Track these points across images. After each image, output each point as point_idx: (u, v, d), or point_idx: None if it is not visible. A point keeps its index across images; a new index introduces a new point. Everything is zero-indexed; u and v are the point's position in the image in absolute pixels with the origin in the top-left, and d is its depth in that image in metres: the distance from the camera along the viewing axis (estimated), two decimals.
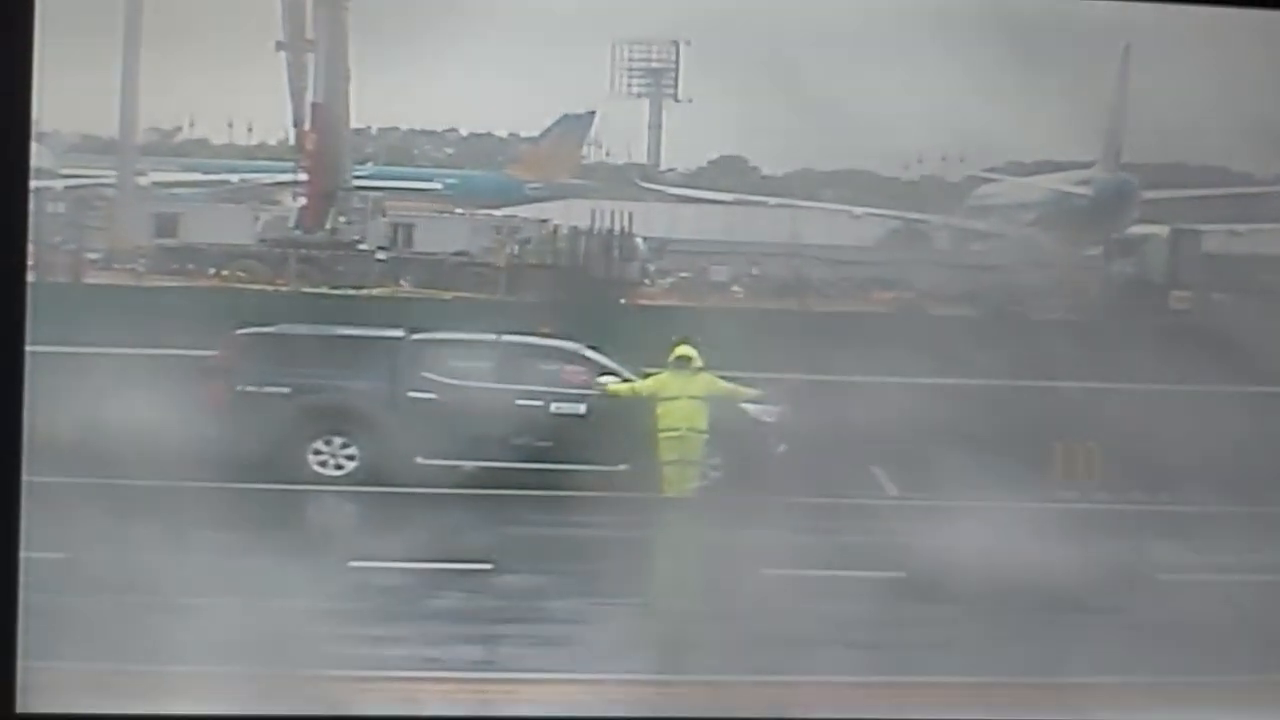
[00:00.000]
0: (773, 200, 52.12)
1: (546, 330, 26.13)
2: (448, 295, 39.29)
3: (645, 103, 62.68)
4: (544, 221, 45.68)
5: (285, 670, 15.27)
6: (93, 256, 43.15)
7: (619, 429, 23.82)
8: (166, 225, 43.72)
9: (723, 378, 24.40)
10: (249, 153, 55.35)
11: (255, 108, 50.43)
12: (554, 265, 41.09)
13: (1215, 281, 41.23)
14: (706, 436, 23.93)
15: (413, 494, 23.24)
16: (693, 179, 60.26)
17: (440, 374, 24.60)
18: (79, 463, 19.54)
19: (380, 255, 41.13)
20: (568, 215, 45.23)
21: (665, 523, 23.02)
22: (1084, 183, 48.45)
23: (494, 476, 23.62)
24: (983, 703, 15.44)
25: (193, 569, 18.12)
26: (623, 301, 37.28)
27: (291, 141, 44.91)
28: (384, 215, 44.18)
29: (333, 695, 14.80)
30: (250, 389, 24.13)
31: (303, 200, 43.00)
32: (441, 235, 43.71)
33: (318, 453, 24.31)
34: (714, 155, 61.91)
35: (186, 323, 26.32)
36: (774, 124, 46.73)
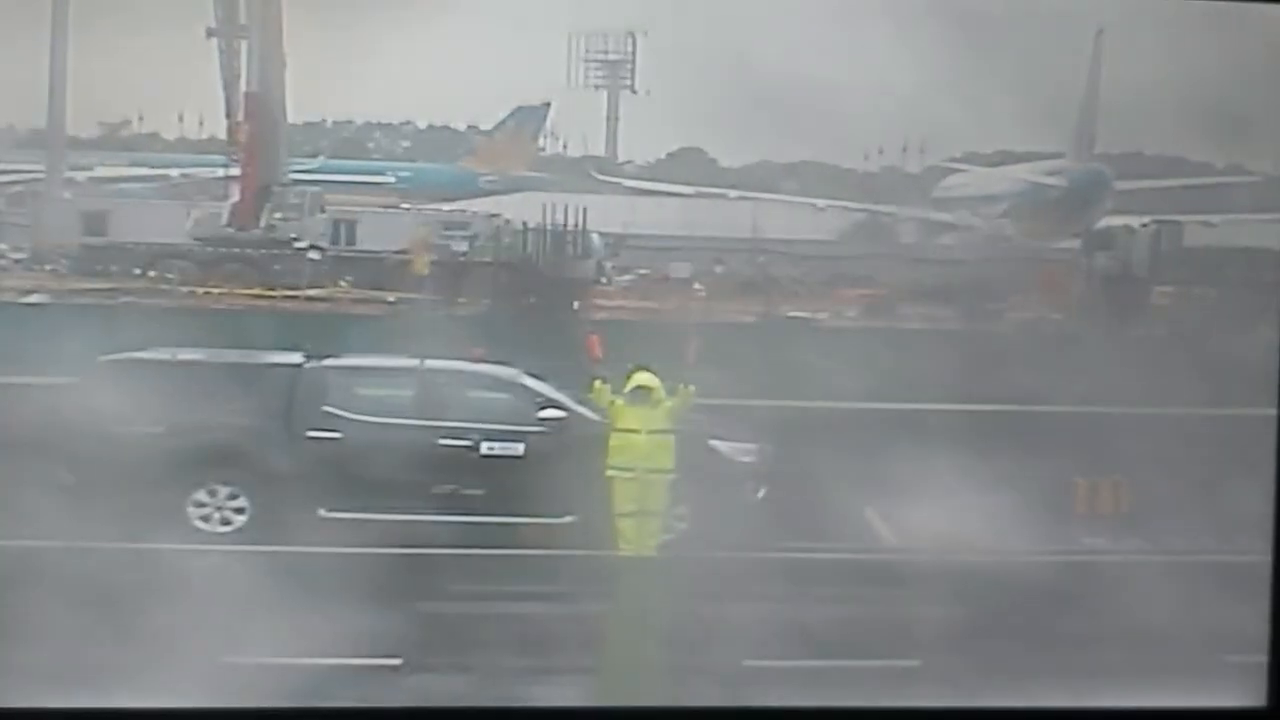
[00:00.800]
0: (733, 193, 47.90)
1: (479, 352, 20.28)
2: (390, 297, 33.88)
3: (602, 94, 59.48)
4: (494, 216, 40.27)
5: None
6: (18, 257, 37.64)
7: (564, 472, 18.00)
8: (94, 223, 38.11)
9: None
10: (200, 147, 50.33)
11: (206, 100, 44.78)
12: (505, 263, 35.44)
13: (1199, 276, 37.01)
14: (671, 478, 18.14)
15: (312, 555, 17.46)
16: (651, 171, 56.62)
17: (347, 408, 18.82)
18: None
19: (313, 255, 35.44)
20: (522, 209, 39.94)
21: (621, 592, 17.39)
22: (1056, 173, 44.08)
23: (411, 533, 17.97)
24: None
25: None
26: (575, 306, 31.54)
27: None
28: (323, 211, 38.45)
29: None
30: (116, 428, 18.19)
31: (235, 196, 37.31)
32: (386, 232, 38.21)
33: (199, 505, 18.50)
34: (672, 147, 59.12)
35: (58, 343, 20.61)
36: (732, 115, 43.54)
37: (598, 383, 18.50)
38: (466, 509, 18.43)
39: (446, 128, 61.11)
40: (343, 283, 35.92)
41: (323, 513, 18.32)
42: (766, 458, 19.54)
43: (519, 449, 18.77)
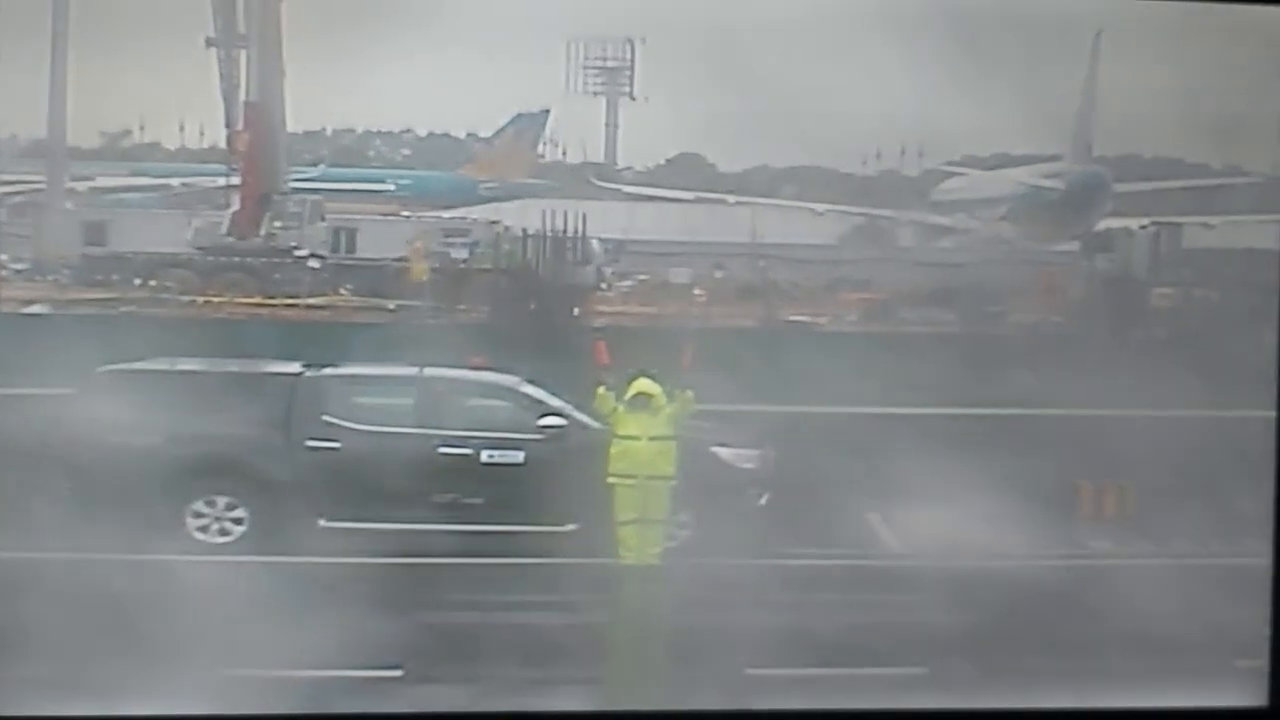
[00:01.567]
0: (732, 198, 47.48)
1: (479, 360, 19.95)
2: (391, 305, 33.60)
3: (601, 101, 59.22)
4: (494, 223, 39.93)
5: None
6: (19, 267, 37.31)
7: (565, 480, 17.68)
8: (95, 233, 37.78)
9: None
10: (201, 156, 49.95)
11: (207, 110, 44.47)
12: (505, 270, 35.10)
13: (1198, 278, 36.89)
14: (673, 484, 17.81)
15: (312, 566, 17.19)
16: (650, 177, 56.16)
17: (346, 417, 18.50)
18: None
19: (313, 263, 35.12)
20: (522, 216, 39.60)
21: (623, 601, 17.07)
22: (1054, 175, 43.69)
23: (412, 542, 17.67)
24: None
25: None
26: (575, 313, 31.21)
27: None
28: (323, 219, 38.11)
29: None
30: (114, 438, 17.87)
31: (236, 205, 37.01)
32: (386, 239, 37.85)
33: (198, 515, 18.17)
34: (671, 153, 58.90)
35: (59, 354, 20.26)
36: (731, 121, 43.21)
37: (601, 389, 18.20)
38: (467, 518, 18.13)
39: (446, 135, 60.69)
40: (343, 291, 35.67)
41: (322, 522, 18.05)
42: (769, 463, 19.22)
43: (519, 457, 18.47)
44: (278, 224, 37.48)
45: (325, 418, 18.54)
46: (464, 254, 37.47)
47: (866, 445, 20.14)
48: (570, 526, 18.12)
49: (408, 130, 62.53)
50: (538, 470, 18.26)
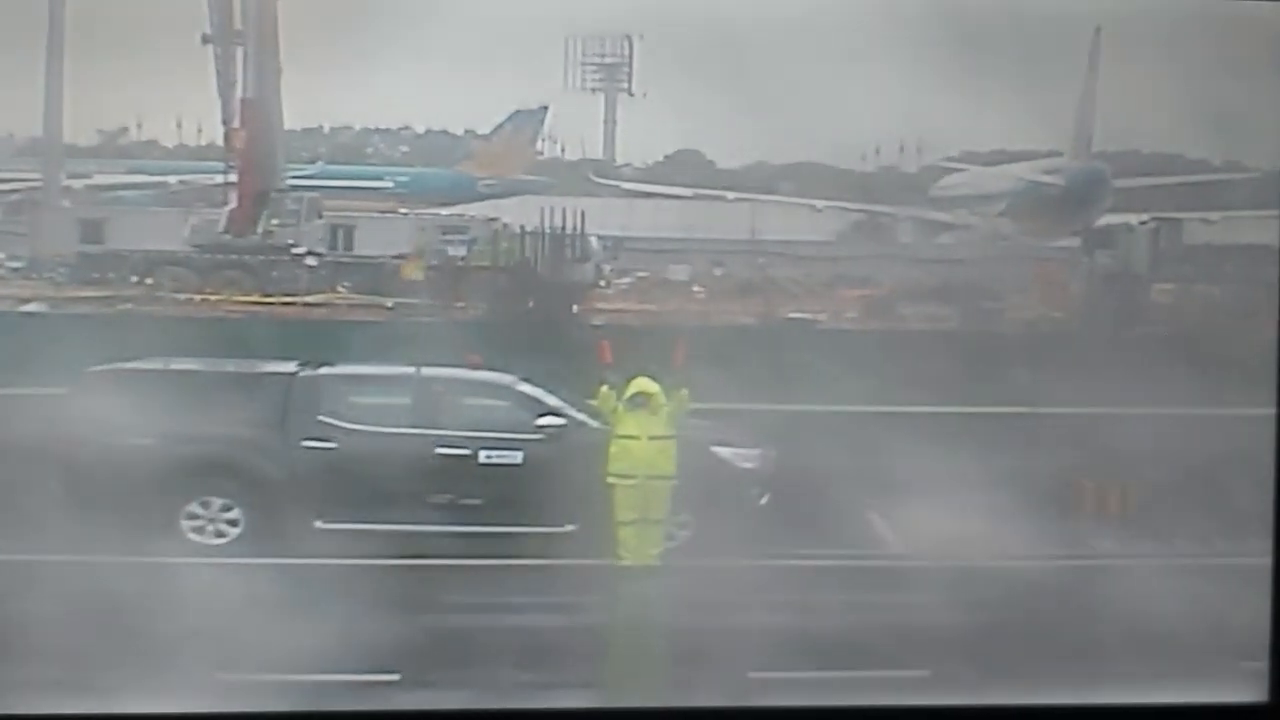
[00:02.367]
0: (731, 194, 47.18)
1: (476, 359, 19.68)
2: (388, 303, 33.36)
3: (600, 97, 59.07)
4: (492, 220, 39.64)
5: None
6: (15, 265, 37.06)
7: (564, 480, 17.44)
8: (92, 231, 37.48)
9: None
10: (198, 153, 49.64)
11: (204, 107, 44.16)
12: (504, 267, 34.83)
13: (1199, 273, 36.74)
14: (673, 484, 17.57)
15: (307, 567, 16.95)
16: (649, 174, 55.81)
17: (342, 417, 18.25)
18: None
19: (310, 261, 34.86)
20: (521, 212, 39.30)
21: (622, 602, 16.82)
22: (1054, 171, 43.43)
23: (409, 543, 17.45)
24: None
25: None
26: (574, 310, 30.98)
27: None
28: (320, 216, 37.83)
29: None
30: (107, 439, 17.62)
31: (233, 202, 36.72)
32: (384, 237, 37.59)
33: (193, 517, 17.91)
34: (670, 149, 58.36)
35: (55, 353, 20.03)
36: (729, 117, 42.94)
37: (604, 388, 17.95)
38: (464, 519, 17.87)
39: (444, 132, 60.22)
40: (340, 288, 35.42)
41: (318, 524, 17.82)
42: (769, 463, 18.96)
43: (517, 457, 18.21)
44: (275, 221, 37.10)
45: (321, 418, 18.29)
46: (462, 251, 37.18)
47: (867, 444, 19.87)
48: (569, 527, 17.88)
49: (406, 127, 62.27)
50: (536, 470, 18.00)
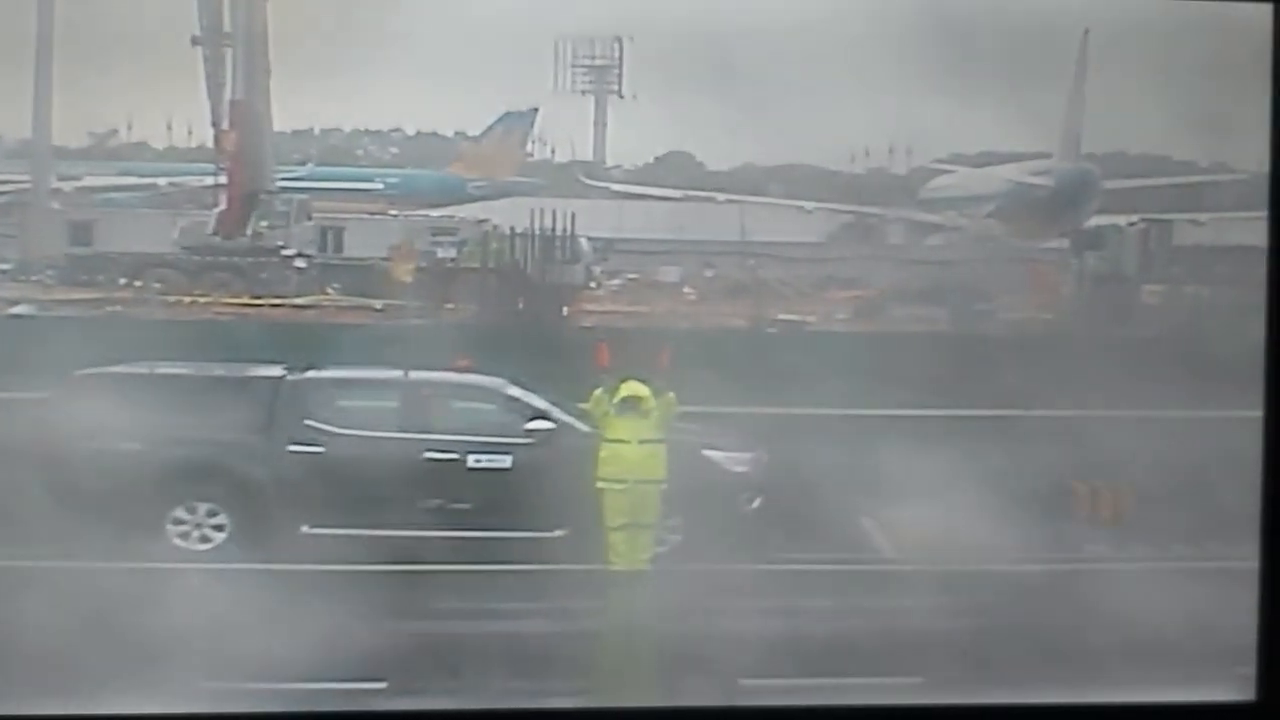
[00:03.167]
0: (721, 196, 46.97)
1: (465, 362, 19.39)
2: (378, 304, 33.09)
3: (590, 100, 58.79)
4: (482, 222, 39.38)
5: None
6: (4, 267, 36.76)
7: (554, 485, 17.13)
8: (81, 233, 37.20)
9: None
10: (189, 155, 49.39)
11: (194, 108, 43.94)
12: (493, 269, 34.52)
13: (1188, 274, 36.64)
14: (663, 488, 17.29)
15: (294, 573, 16.61)
16: (638, 175, 55.63)
17: (330, 421, 17.93)
18: None
19: (299, 263, 34.58)
20: (511, 214, 39.01)
21: (613, 607, 16.57)
22: (1043, 173, 43.24)
23: (397, 549, 17.03)
24: None
25: None
26: (564, 312, 30.71)
27: None
28: (310, 218, 37.55)
29: None
30: (91, 444, 17.31)
31: (222, 204, 36.44)
32: (374, 239, 37.29)
33: (178, 522, 17.58)
34: (660, 151, 58.24)
35: (42, 356, 19.69)
36: (719, 119, 42.78)
37: (598, 391, 17.66)
38: (453, 523, 17.52)
39: (434, 134, 60.28)
40: (330, 290, 35.14)
41: (305, 529, 17.49)
42: (761, 466, 18.68)
43: (506, 461, 17.91)
44: (264, 223, 36.91)
45: (308, 422, 17.98)
46: (452, 253, 36.92)
47: (858, 447, 19.59)
48: (559, 532, 17.55)
49: (396, 129, 62.16)
50: (525, 475, 17.69)
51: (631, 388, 17.47)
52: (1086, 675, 13.77)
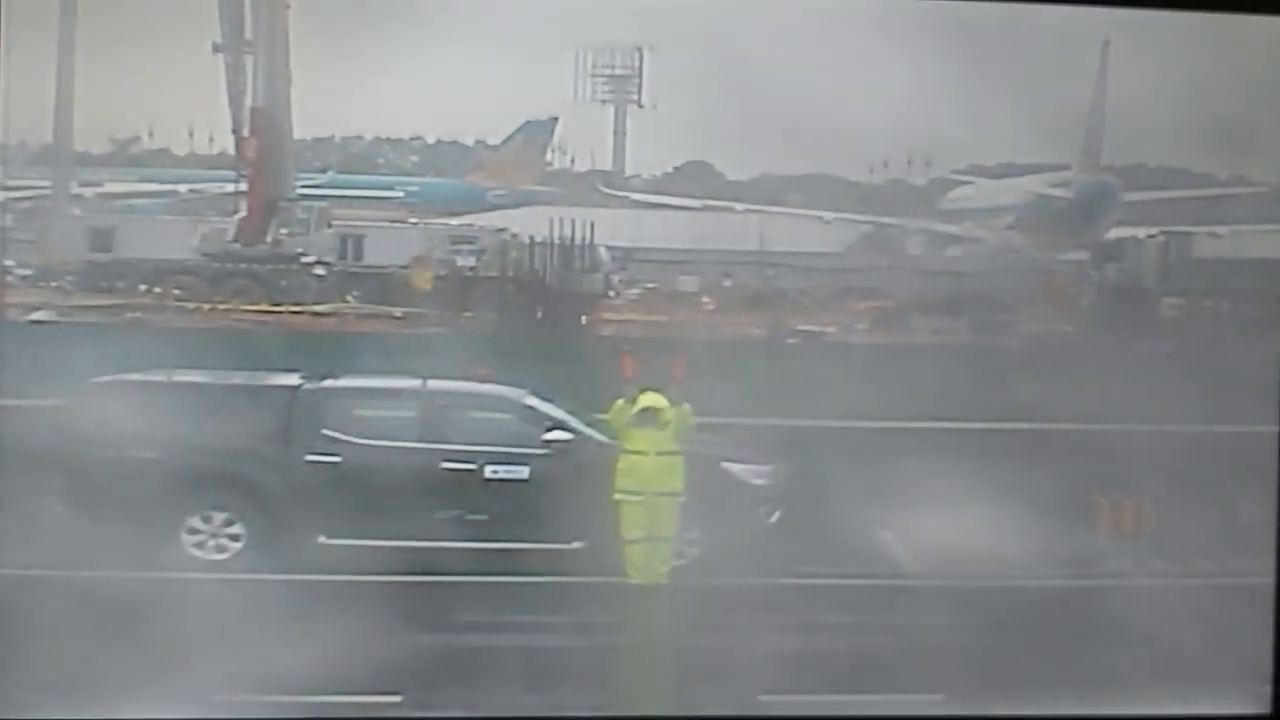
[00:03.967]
0: (740, 206, 46.83)
1: (483, 371, 19.17)
2: (397, 312, 32.95)
3: (610, 109, 58.58)
4: (501, 230, 39.22)
5: None
6: (24, 273, 36.64)
7: (571, 496, 16.93)
8: (101, 239, 37.11)
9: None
10: (210, 162, 49.36)
11: (216, 115, 43.96)
12: (512, 278, 34.37)
13: (1208, 287, 36.35)
14: (681, 501, 17.05)
15: (310, 583, 16.47)
16: (658, 185, 55.48)
17: (347, 430, 17.72)
18: None
19: (319, 270, 34.44)
20: (530, 223, 38.85)
21: (630, 621, 16.34)
22: (1063, 184, 42.99)
23: (413, 559, 16.87)
24: None
25: None
26: (583, 321, 30.53)
27: None
28: (330, 226, 37.43)
29: None
30: (107, 451, 17.13)
31: (242, 211, 36.34)
32: (393, 246, 37.15)
33: (194, 531, 17.39)
34: (679, 161, 58.07)
35: (58, 362, 19.54)
36: (738, 129, 42.60)
37: (620, 401, 17.44)
38: (470, 535, 17.30)
39: (455, 142, 60.17)
40: (349, 298, 35.00)
41: (321, 539, 17.29)
42: (780, 479, 18.44)
43: (524, 472, 17.68)
44: (284, 231, 36.80)
45: (325, 431, 17.76)
46: (471, 261, 36.80)
47: (878, 459, 19.36)
48: (576, 544, 17.36)
49: (417, 137, 62.05)
50: (543, 486, 17.46)
51: (649, 399, 17.26)
52: (1105, 691, 13.59)
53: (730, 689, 14.06)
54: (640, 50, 58.19)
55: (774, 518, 18.14)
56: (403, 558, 16.87)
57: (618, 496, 17.11)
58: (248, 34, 36.49)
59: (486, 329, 31.22)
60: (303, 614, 15.13)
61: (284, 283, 35.35)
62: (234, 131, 37.28)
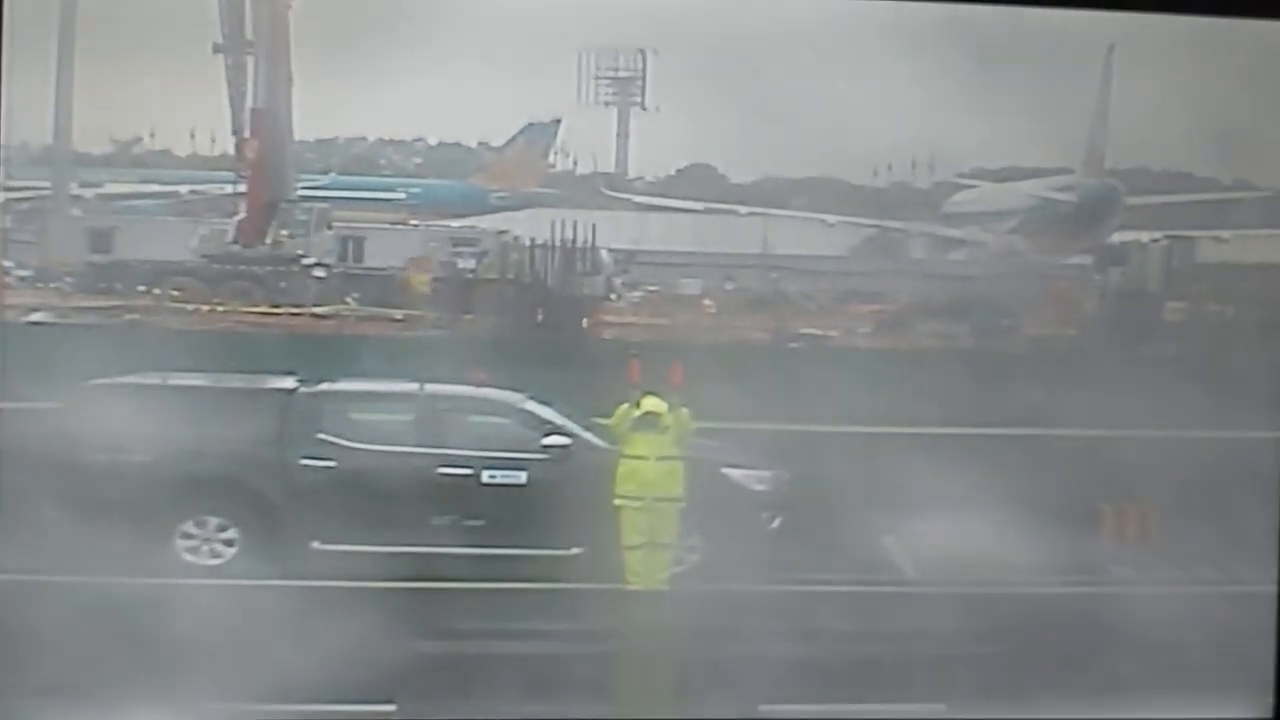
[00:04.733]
0: (744, 209, 46.69)
1: (481, 375, 18.96)
2: (397, 315, 32.75)
3: (612, 111, 58.79)
4: (503, 232, 39.05)
5: None
6: (23, 274, 36.46)
7: (570, 502, 16.72)
8: (101, 240, 36.93)
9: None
10: (211, 163, 49.19)
11: (217, 117, 43.81)
12: (513, 280, 34.16)
13: (1211, 291, 36.07)
14: (681, 506, 16.84)
15: (304, 590, 16.20)
16: (660, 187, 55.38)
17: (342, 435, 17.52)
18: None
19: (319, 272, 34.26)
20: (532, 225, 38.63)
21: (630, 628, 16.12)
22: (1067, 188, 42.84)
23: (410, 566, 16.72)
24: None
25: None
26: (584, 324, 30.34)
27: None
28: (330, 228, 37.26)
29: None
30: (100, 456, 16.89)
31: (242, 212, 36.15)
32: (394, 248, 36.95)
33: (187, 537, 17.17)
34: (682, 163, 58.08)
35: (56, 364, 19.34)
36: (742, 132, 42.50)
37: (623, 406, 17.23)
38: (467, 541, 17.16)
39: (457, 144, 60.08)
40: (349, 300, 34.81)
41: (316, 545, 17.13)
42: (781, 484, 18.24)
43: (522, 477, 17.48)
44: (284, 232, 36.62)
45: (321, 435, 17.57)
46: (472, 263, 36.62)
47: (881, 464, 19.17)
48: (575, 550, 17.18)
49: (419, 139, 61.98)
50: (541, 491, 17.29)
51: (650, 403, 17.07)
52: (1109, 698, 13.42)
53: (730, 697, 13.88)
54: (643, 53, 58.17)
55: (775, 523, 17.95)
56: (399, 563, 16.72)
57: (618, 501, 16.98)
58: (249, 34, 36.27)
59: (487, 332, 31.02)
60: (296, 621, 14.94)
61: (284, 284, 35.15)
62: (235, 133, 37.09)
